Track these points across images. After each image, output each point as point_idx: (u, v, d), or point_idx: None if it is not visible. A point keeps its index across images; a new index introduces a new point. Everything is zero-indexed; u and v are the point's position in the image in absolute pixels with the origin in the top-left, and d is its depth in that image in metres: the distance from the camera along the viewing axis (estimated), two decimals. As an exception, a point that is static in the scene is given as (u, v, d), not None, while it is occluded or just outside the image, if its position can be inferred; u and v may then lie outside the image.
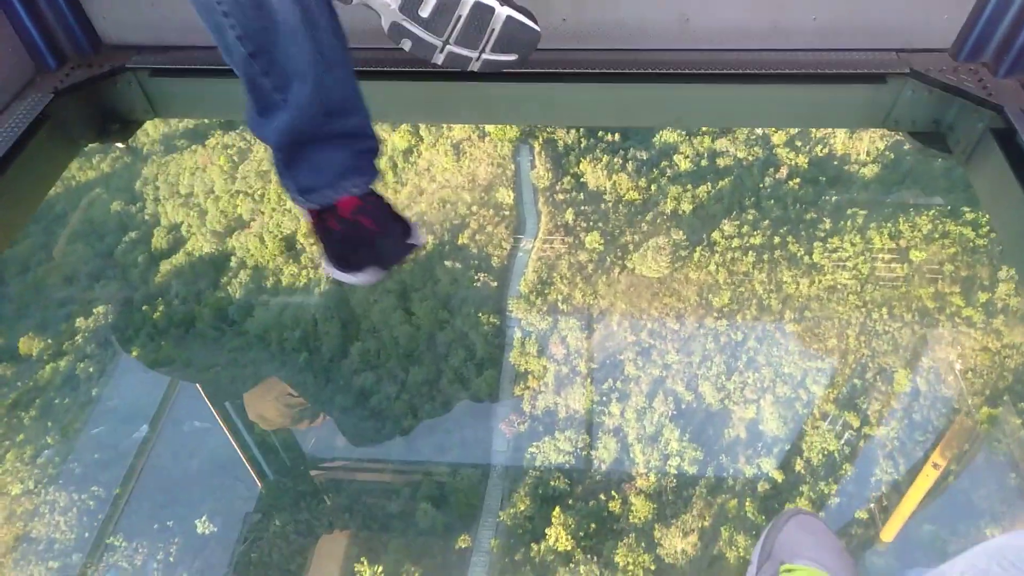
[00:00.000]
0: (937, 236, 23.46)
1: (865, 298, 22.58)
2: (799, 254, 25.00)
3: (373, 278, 1.60)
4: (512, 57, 1.59)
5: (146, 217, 39.32)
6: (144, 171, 41.62)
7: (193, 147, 41.24)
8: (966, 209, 24.16)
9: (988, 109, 1.88)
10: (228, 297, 33.85)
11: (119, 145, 2.39)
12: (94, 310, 33.78)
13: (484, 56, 1.57)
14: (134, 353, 31.10)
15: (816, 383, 21.60)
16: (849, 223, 25.40)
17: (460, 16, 1.48)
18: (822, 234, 25.63)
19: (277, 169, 1.49)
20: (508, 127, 33.69)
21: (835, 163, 30.36)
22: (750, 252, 25.95)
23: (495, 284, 28.30)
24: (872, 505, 21.40)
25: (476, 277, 28.58)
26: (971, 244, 22.72)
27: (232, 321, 33.42)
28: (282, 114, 1.38)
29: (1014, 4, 1.89)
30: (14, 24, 2.14)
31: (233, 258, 35.85)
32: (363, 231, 1.52)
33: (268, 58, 1.32)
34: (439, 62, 1.58)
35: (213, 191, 38.42)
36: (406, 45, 1.55)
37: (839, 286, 23.28)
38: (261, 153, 38.33)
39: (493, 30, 1.51)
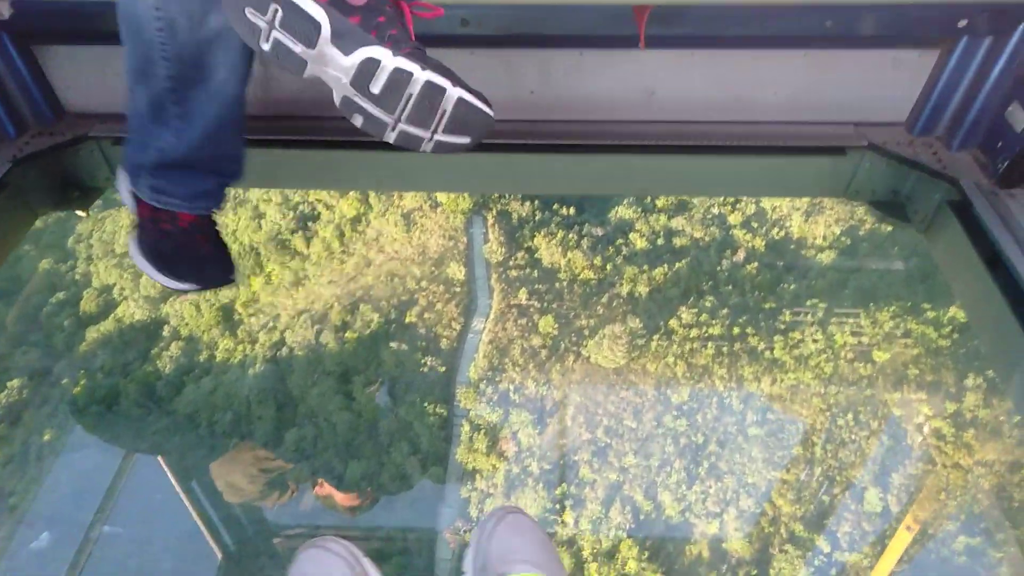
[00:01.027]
0: (899, 335, 22.31)
1: (829, 400, 21.21)
2: (759, 348, 23.59)
3: (181, 287, 1.64)
4: (465, 140, 1.50)
5: (76, 277, 36.36)
6: (79, 227, 38.76)
7: None
8: (926, 306, 23.15)
9: (944, 181, 1.94)
10: (157, 371, 30.98)
11: (79, 213, 2.29)
12: (7, 384, 30.58)
13: (436, 137, 1.49)
14: (46, 437, 27.93)
15: (782, 496, 19.96)
16: (810, 316, 24.16)
17: (411, 95, 1.41)
18: (782, 326, 24.31)
19: (129, 157, 1.58)
20: (461, 198, 32.00)
21: (792, 247, 29.36)
22: (709, 343, 24.46)
23: (443, 369, 26.19)
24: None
25: (423, 361, 26.47)
26: (933, 345, 21.63)
27: (159, 399, 30.56)
28: (170, 137, 1.51)
29: (964, 81, 1.95)
30: None
31: (166, 327, 33.08)
32: (195, 246, 1.61)
33: (183, 92, 1.46)
34: (391, 140, 1.51)
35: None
36: (357, 121, 1.49)
37: (802, 385, 21.88)
38: None
39: (444, 111, 1.44)
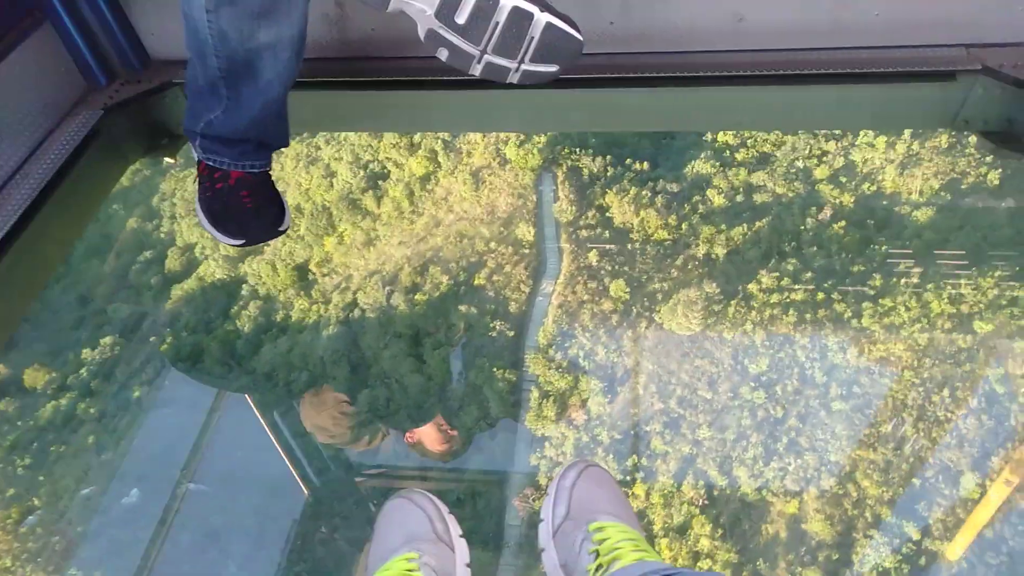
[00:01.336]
0: (1004, 303, 20.30)
1: (923, 375, 19.56)
2: (846, 316, 21.97)
3: (233, 242, 1.78)
4: (553, 68, 1.49)
5: (161, 236, 37.42)
6: (162, 186, 39.76)
7: None
8: (1036, 271, 21.03)
9: None
10: (237, 330, 31.72)
11: (168, 160, 2.38)
12: (101, 341, 31.91)
13: (523, 67, 1.48)
14: (136, 394, 29.09)
15: (868, 478, 18.67)
16: (903, 281, 22.32)
17: (497, 23, 1.39)
18: (871, 292, 22.56)
19: (185, 120, 1.69)
20: (530, 154, 30.98)
21: (884, 203, 27.22)
22: (791, 310, 23.00)
23: (512, 334, 25.70)
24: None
25: (492, 325, 26.03)
26: (1045, 317, 19.65)
27: (240, 357, 31.34)
28: (220, 113, 1.61)
29: None
30: (65, 42, 2.12)
31: (244, 285, 33.75)
32: (240, 202, 1.69)
33: (233, 82, 1.54)
34: (477, 73, 1.50)
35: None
36: (443, 55, 1.47)
37: (893, 358, 20.26)
38: (278, 173, 36.12)
39: (532, 38, 1.43)
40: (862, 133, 29.44)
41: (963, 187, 26.93)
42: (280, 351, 30.24)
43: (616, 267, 27.11)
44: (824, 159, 29.31)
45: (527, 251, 29.12)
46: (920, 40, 1.96)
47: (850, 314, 22.03)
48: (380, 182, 33.48)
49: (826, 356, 21.15)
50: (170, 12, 2.27)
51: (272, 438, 28.24)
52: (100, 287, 35.96)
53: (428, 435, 25.16)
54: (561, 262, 28.27)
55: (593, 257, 27.61)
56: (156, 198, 39.14)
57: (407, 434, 25.74)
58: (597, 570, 1.25)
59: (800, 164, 29.46)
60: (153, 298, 34.81)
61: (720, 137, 31.50)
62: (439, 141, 33.17)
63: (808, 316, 22.53)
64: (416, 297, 27.96)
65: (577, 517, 1.37)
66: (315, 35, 2.14)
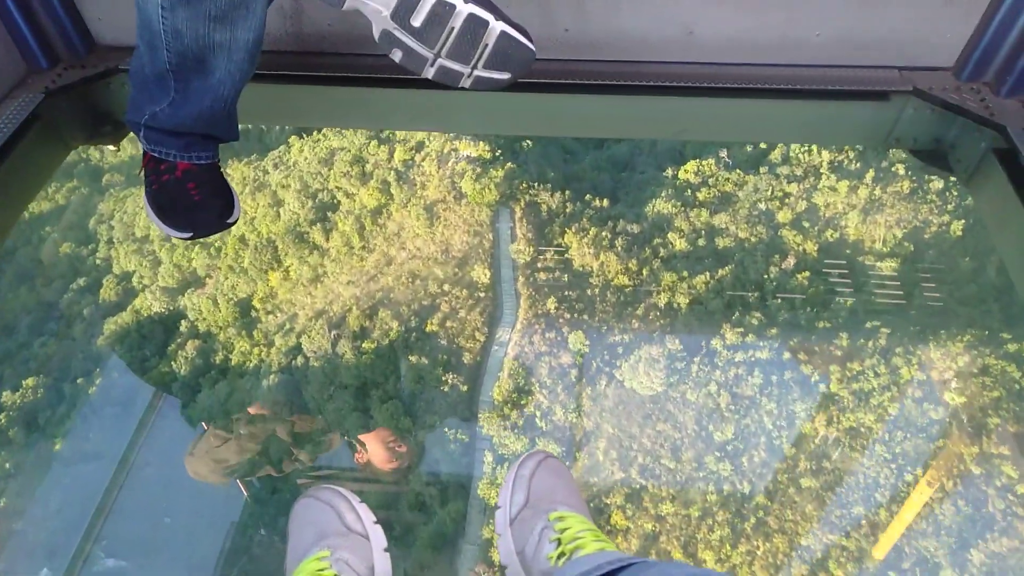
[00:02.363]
0: (975, 371, 19.15)
1: (895, 450, 18.28)
2: (813, 379, 20.63)
3: (181, 235, 1.66)
4: (505, 75, 1.48)
5: (97, 262, 34.46)
6: (100, 207, 36.77)
7: None
8: (1006, 336, 19.90)
9: (990, 129, 1.85)
10: (172, 372, 29.10)
11: (110, 147, 2.31)
12: (23, 382, 28.99)
13: (476, 72, 1.47)
14: (56, 447, 26.28)
15: (841, 567, 17.26)
16: (871, 343, 21.04)
17: (453, 28, 1.39)
18: (839, 353, 21.25)
19: (128, 111, 1.57)
20: (487, 189, 29.04)
21: (848, 251, 26.04)
22: (756, 371, 21.56)
23: (465, 388, 23.73)
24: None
25: (444, 378, 24.02)
26: (1017, 386, 18.46)
27: (175, 402, 28.77)
28: (166, 107, 1.49)
29: (1017, 24, 1.87)
30: (6, 23, 2.08)
31: (183, 321, 31.12)
32: (187, 194, 1.60)
33: (183, 76, 1.45)
34: (430, 76, 1.50)
35: (169, 238, 33.49)
36: (396, 56, 1.47)
37: (863, 429, 18.94)
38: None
39: (486, 45, 1.42)
40: (824, 176, 28.29)
41: (926, 237, 25.91)
42: (218, 398, 27.74)
43: (575, 315, 25.37)
44: (787, 201, 28.07)
45: (483, 294, 27.17)
46: (857, 61, 2.00)
47: (817, 377, 20.66)
48: (329, 213, 31.15)
49: (794, 424, 19.72)
50: None
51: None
52: (28, 318, 32.98)
53: (376, 454, 24.19)
54: (518, 308, 26.41)
55: (551, 304, 25.82)
56: (93, 220, 36.14)
57: (356, 455, 24.62)
58: (559, 557, 1.22)
59: (763, 206, 28.17)
60: (84, 331, 31.99)
61: (681, 175, 30.05)
62: (392, 172, 31.03)
63: (774, 378, 21.10)
64: (364, 345, 25.77)
65: (536, 506, 1.36)
66: (270, 28, 2.03)
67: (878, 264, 24.89)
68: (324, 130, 34.84)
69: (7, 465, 25.63)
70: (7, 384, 29.40)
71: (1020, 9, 1.85)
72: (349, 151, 32.71)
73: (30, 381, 29.15)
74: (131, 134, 1.81)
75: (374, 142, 32.61)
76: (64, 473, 25.19)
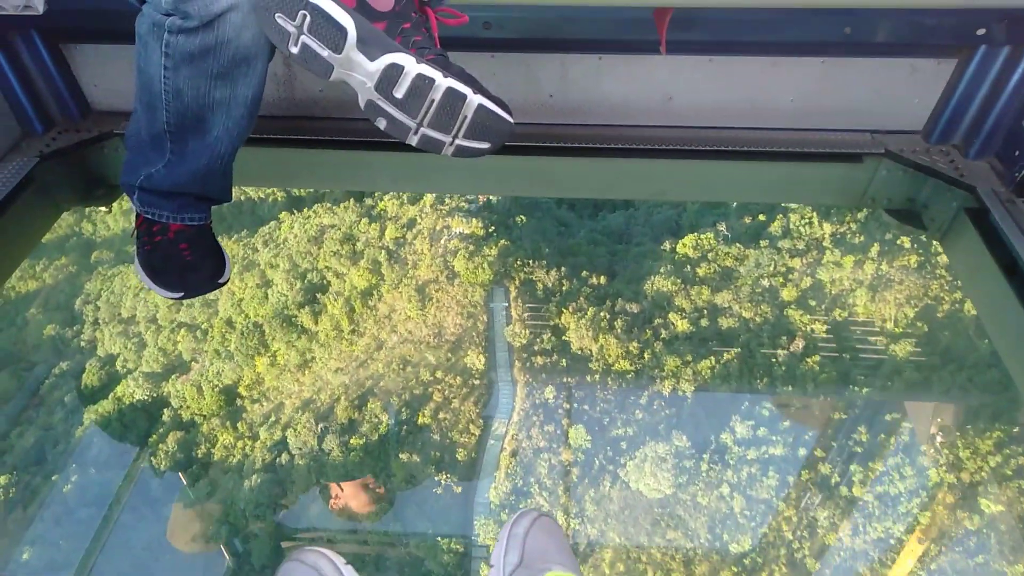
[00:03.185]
0: (1010, 473, 17.36)
1: (930, 566, 16.36)
2: (833, 481, 18.77)
3: (173, 295, 1.66)
4: (484, 145, 1.48)
5: (82, 344, 32.72)
6: (87, 286, 35.24)
7: None
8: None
9: (961, 189, 1.88)
10: (153, 468, 27.12)
11: (102, 209, 2.40)
12: (-5, 481, 26.94)
13: (457, 141, 1.47)
14: (25, 556, 24.09)
15: None
16: (892, 439, 19.27)
17: (433, 100, 1.40)
18: (859, 450, 19.46)
19: (123, 173, 1.57)
20: (480, 269, 27.59)
21: (858, 332, 24.45)
22: (770, 470, 19.73)
23: (459, 490, 21.81)
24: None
25: (438, 479, 22.10)
26: (1058, 490, 16.70)
27: (154, 500, 26.68)
28: (161, 168, 1.50)
29: (981, 90, 1.90)
30: (2, 87, 2.08)
31: (166, 410, 29.24)
32: (179, 255, 1.58)
33: (180, 137, 1.46)
34: (413, 143, 1.50)
35: (155, 319, 31.96)
36: (381, 124, 1.48)
37: (892, 539, 17.03)
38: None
39: (465, 117, 1.43)
40: (827, 250, 26.97)
41: (939, 315, 24.37)
42: (200, 495, 25.73)
43: (575, 406, 23.61)
44: (790, 277, 26.61)
45: (477, 381, 25.44)
46: (830, 124, 2.03)
47: (838, 478, 18.81)
48: (319, 295, 29.57)
49: (816, 534, 17.79)
50: (114, 64, 2.20)
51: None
52: (6, 406, 31.17)
53: (355, 498, 23.06)
54: (515, 397, 24.66)
55: (550, 393, 24.09)
56: (79, 300, 34.61)
57: (332, 499, 23.26)
58: None
59: (766, 283, 26.69)
60: (64, 421, 30.08)
61: (679, 248, 28.66)
62: (383, 251, 29.64)
63: (791, 479, 19.24)
64: (351, 441, 23.90)
65: (531, 566, 1.33)
66: (264, 93, 1.79)
67: (892, 347, 23.29)
68: (315, 207, 33.66)
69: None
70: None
71: (983, 76, 1.89)
72: (339, 229, 31.40)
73: (2, 479, 27.12)
74: (123, 196, 1.78)
75: (365, 220, 31.35)
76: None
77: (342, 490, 23.28)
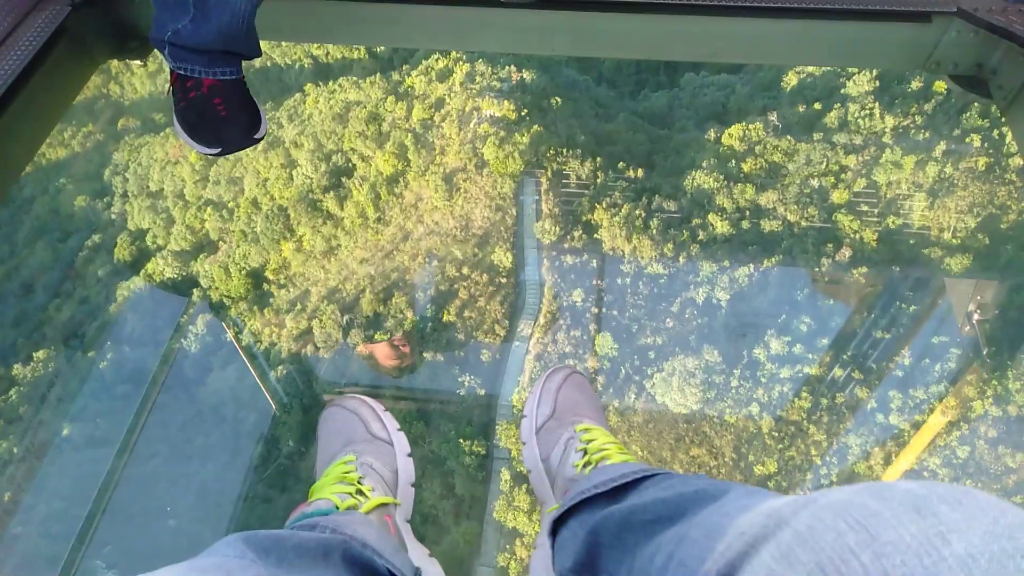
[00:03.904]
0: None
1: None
2: (870, 406, 17.72)
3: (210, 151, 1.63)
4: None
5: (112, 216, 32.27)
6: (115, 156, 34.29)
7: (168, 130, 33.69)
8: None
9: None
10: (183, 349, 27.19)
11: (137, 62, 2.22)
12: (34, 354, 27.30)
13: None
14: (65, 432, 24.71)
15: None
16: (938, 366, 17.96)
17: None
18: (900, 374, 18.24)
19: (152, 30, 1.53)
20: (511, 159, 25.72)
21: (912, 242, 22.51)
22: (804, 392, 18.72)
23: (482, 392, 21.34)
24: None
25: (461, 379, 21.62)
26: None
27: (186, 381, 26.92)
28: (187, 24, 1.46)
29: None
30: None
31: (195, 290, 28.98)
32: (212, 110, 1.56)
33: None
34: None
35: (183, 195, 31.13)
36: None
37: (925, 474, 16.11)
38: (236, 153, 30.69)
39: None
40: (887, 149, 24.39)
41: (1003, 226, 22.23)
42: (228, 382, 25.85)
43: (603, 310, 22.52)
44: (843, 177, 24.32)
45: (504, 280, 24.36)
46: None
47: (875, 404, 17.75)
48: (344, 179, 28.15)
49: (846, 460, 16.98)
50: None
51: (244, 358, 25.71)
52: (44, 276, 31.25)
53: (381, 350, 23.29)
54: (542, 297, 23.61)
55: (578, 296, 22.95)
56: (108, 171, 33.70)
57: (360, 346, 23.60)
58: (585, 466, 1.24)
59: (815, 183, 24.47)
60: (99, 294, 30.12)
61: (725, 139, 26.26)
62: (409, 134, 27.73)
63: (824, 402, 18.23)
64: (376, 336, 23.35)
65: (562, 417, 1.37)
66: None
67: (948, 261, 21.41)
68: (340, 80, 31.47)
69: (14, 450, 24.18)
70: (22, 353, 27.90)
71: None
72: (365, 107, 29.36)
73: (41, 354, 27.48)
74: (156, 51, 1.71)
75: (391, 97, 29.18)
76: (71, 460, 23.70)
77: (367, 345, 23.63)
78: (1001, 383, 16.94)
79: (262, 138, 1.65)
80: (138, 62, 2.16)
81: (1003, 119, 1.79)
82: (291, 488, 21.49)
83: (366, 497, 1.20)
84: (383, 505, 1.23)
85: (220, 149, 1.61)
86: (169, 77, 1.59)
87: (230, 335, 26.95)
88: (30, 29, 1.82)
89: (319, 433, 1.42)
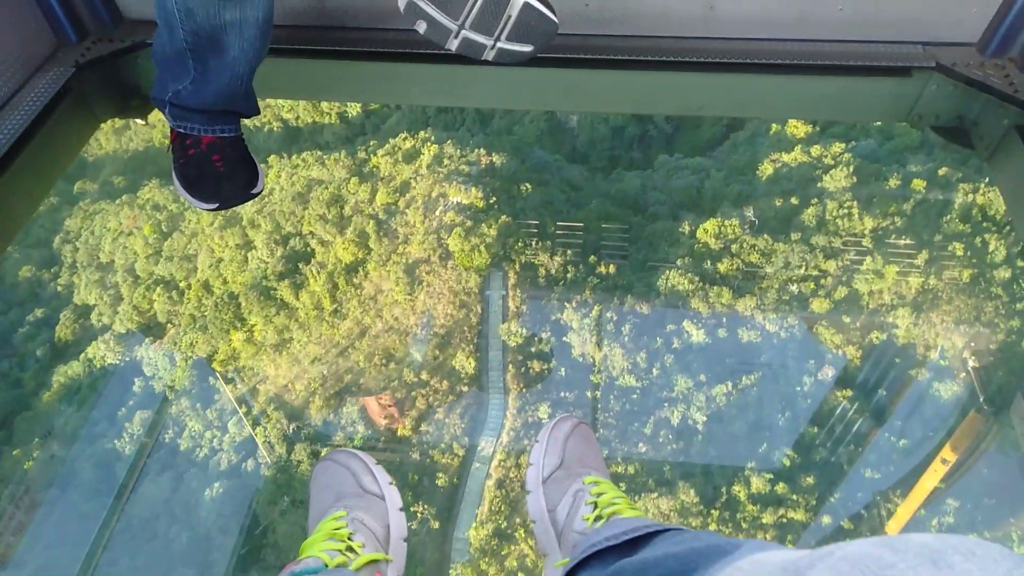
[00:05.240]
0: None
1: None
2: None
3: (207, 206, 1.61)
4: (527, 48, 1.42)
5: (59, 288, 29.55)
6: (68, 222, 31.61)
7: (125, 197, 31.17)
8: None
9: (1014, 106, 1.72)
10: (115, 451, 24.35)
11: (138, 121, 2.19)
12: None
13: (499, 45, 1.41)
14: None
15: None
16: (935, 520, 15.92)
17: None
18: (887, 516, 16.17)
19: (154, 89, 1.53)
20: (476, 252, 23.60)
21: (897, 360, 20.72)
22: (788, 538, 16.56)
23: (436, 525, 18.81)
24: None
25: (414, 510, 19.08)
26: None
27: (118, 485, 24.03)
28: (188, 85, 1.46)
29: None
30: None
31: (137, 380, 26.28)
32: (211, 166, 1.57)
33: (201, 56, 1.42)
34: (453, 48, 1.43)
35: (133, 270, 28.45)
36: (421, 27, 1.40)
37: None
38: (193, 225, 28.28)
39: (510, 17, 1.36)
40: (867, 259, 22.73)
41: (993, 347, 20.55)
42: (161, 493, 22.99)
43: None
44: (823, 284, 22.55)
45: (465, 387, 22.06)
46: (879, 36, 1.89)
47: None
48: (301, 265, 25.78)
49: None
50: None
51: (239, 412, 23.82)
52: (-22, 355, 28.33)
53: (371, 405, 22.38)
54: (506, 410, 21.33)
55: (544, 412, 20.70)
56: (59, 238, 31.04)
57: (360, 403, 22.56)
58: (596, 520, 1.21)
59: (794, 288, 22.68)
60: (34, 377, 27.20)
61: (700, 235, 24.46)
62: (371, 221, 25.51)
63: (812, 544, 15.98)
64: (323, 452, 20.77)
65: (570, 468, 1.32)
66: (292, 2, 1.95)
67: (937, 387, 19.60)
68: (304, 155, 29.31)
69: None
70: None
71: None
72: (327, 187, 27.13)
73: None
74: (154, 109, 1.72)
75: (355, 178, 27.03)
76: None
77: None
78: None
79: (259, 193, 1.61)
80: (140, 121, 2.10)
81: (985, 169, 1.71)
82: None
83: (356, 554, 1.16)
84: (374, 562, 1.18)
85: (217, 204, 1.58)
86: (169, 135, 1.58)
87: (168, 435, 24.21)
88: (36, 88, 1.82)
89: (311, 488, 1.36)
